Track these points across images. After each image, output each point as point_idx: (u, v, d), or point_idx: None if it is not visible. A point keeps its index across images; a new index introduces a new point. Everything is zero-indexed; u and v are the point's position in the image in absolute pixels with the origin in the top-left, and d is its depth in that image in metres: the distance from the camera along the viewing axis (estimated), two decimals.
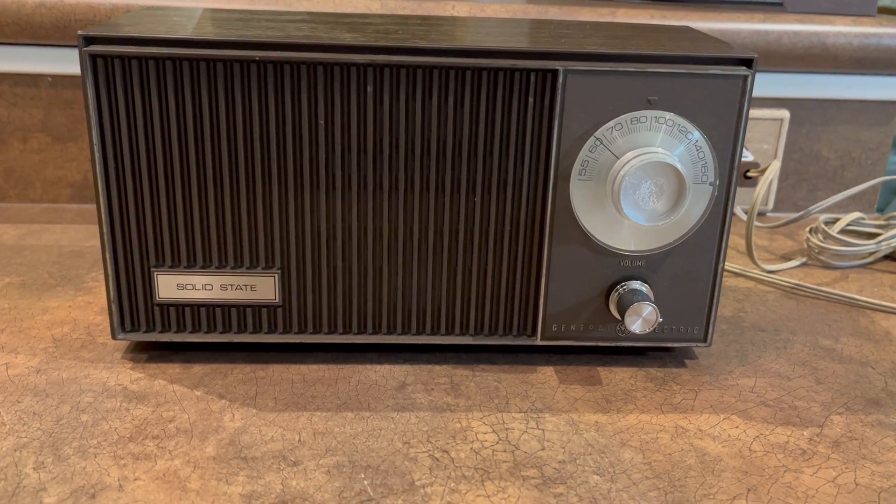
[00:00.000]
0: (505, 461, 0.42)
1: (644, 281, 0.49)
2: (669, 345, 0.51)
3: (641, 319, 0.47)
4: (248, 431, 0.43)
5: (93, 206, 0.77)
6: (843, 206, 0.81)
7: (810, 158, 0.81)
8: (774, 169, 0.65)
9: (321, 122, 0.45)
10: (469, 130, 0.46)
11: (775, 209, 0.82)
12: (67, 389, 0.46)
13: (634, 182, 0.45)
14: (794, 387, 0.50)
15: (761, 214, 0.81)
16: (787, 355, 0.54)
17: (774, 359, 0.53)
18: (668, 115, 0.46)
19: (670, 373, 0.51)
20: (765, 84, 0.77)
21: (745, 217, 0.72)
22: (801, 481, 0.41)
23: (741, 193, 0.76)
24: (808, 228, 0.70)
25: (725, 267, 0.67)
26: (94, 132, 0.45)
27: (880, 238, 0.68)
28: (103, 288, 0.60)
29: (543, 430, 0.44)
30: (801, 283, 0.64)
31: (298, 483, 0.39)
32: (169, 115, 0.45)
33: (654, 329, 0.49)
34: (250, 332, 0.50)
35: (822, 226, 0.69)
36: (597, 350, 0.53)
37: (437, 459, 0.41)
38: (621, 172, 0.45)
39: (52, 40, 0.71)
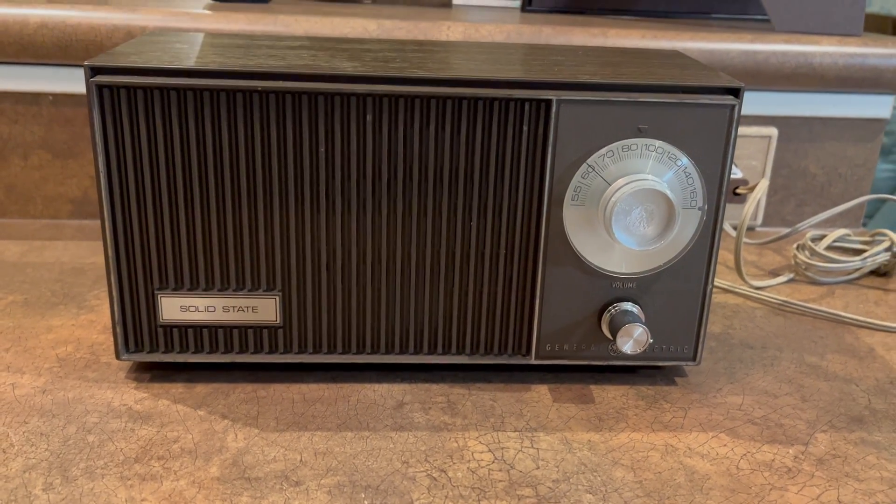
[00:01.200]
0: (501, 480, 0.43)
1: (635, 302, 0.51)
2: (660, 363, 0.52)
3: (632, 340, 0.49)
4: (251, 451, 0.44)
5: (93, 223, 0.78)
6: (831, 222, 0.82)
7: (798, 174, 0.82)
8: (763, 188, 0.66)
9: (322, 149, 0.47)
10: (465, 157, 0.47)
11: (764, 224, 0.84)
12: (73, 410, 0.48)
13: (626, 208, 0.47)
14: (781, 404, 0.51)
15: (750, 229, 0.83)
16: (774, 372, 0.55)
17: (762, 376, 0.55)
18: (658, 143, 0.47)
19: (661, 391, 0.52)
20: (753, 102, 0.78)
21: (734, 233, 0.74)
22: (786, 499, 0.42)
23: (730, 209, 0.78)
24: (795, 245, 0.72)
25: (715, 284, 0.69)
26: (101, 159, 0.46)
27: (865, 255, 0.70)
28: (106, 306, 0.61)
29: (538, 448, 0.46)
30: (788, 299, 0.65)
31: (300, 503, 0.40)
32: (173, 142, 0.46)
33: (645, 349, 0.51)
34: (252, 353, 0.51)
35: (809, 243, 0.70)
36: (589, 368, 0.54)
37: (435, 479, 0.43)
38: (613, 199, 0.47)
39: (54, 59, 0.72)
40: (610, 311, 0.50)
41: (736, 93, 0.48)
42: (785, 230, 0.72)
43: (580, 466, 0.44)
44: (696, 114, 0.47)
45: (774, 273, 0.72)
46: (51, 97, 0.74)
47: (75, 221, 0.78)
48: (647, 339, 0.49)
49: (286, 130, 0.46)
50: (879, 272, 0.72)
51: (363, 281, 0.50)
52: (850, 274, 0.71)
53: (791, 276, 0.71)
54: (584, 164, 0.48)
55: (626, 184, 0.47)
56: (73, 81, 0.73)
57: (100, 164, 0.46)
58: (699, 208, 0.49)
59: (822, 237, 0.72)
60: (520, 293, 0.50)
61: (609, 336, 0.50)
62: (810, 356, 0.58)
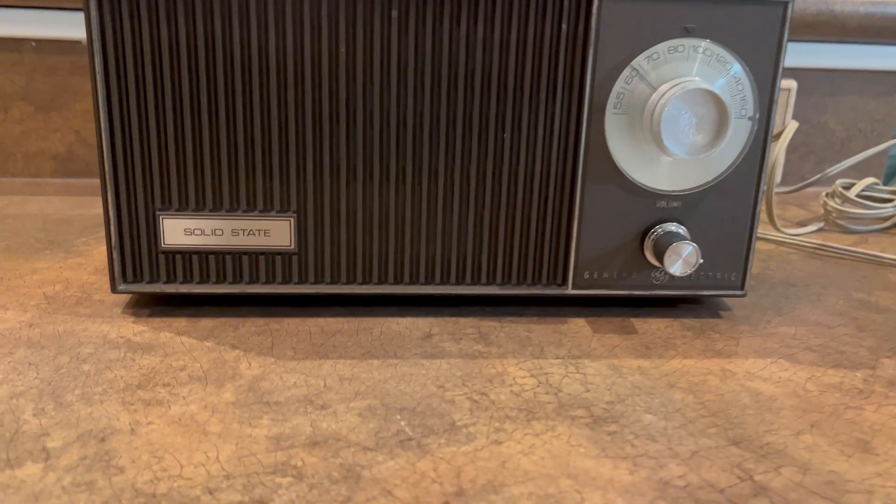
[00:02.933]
0: (549, 402, 0.39)
1: (680, 223, 0.47)
2: (705, 293, 0.48)
3: (682, 260, 0.45)
4: (268, 378, 0.40)
5: (79, 181, 0.73)
6: (850, 176, 0.79)
7: (817, 130, 0.80)
8: (793, 128, 0.63)
9: (342, 49, 0.43)
10: (499, 61, 0.43)
11: (783, 183, 0.81)
12: (65, 342, 0.43)
13: (674, 113, 0.43)
14: (837, 334, 0.48)
15: None
16: (823, 307, 0.51)
17: (810, 310, 0.51)
18: (706, 44, 0.44)
19: (707, 322, 0.48)
20: None
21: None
22: (864, 417, 0.38)
23: None
24: (824, 193, 0.69)
25: None
26: (98, 60, 0.41)
27: None
28: (95, 251, 0.56)
29: (585, 374, 0.42)
30: (824, 243, 0.62)
31: (329, 425, 0.36)
32: (178, 42, 0.42)
33: (693, 274, 0.47)
34: (263, 283, 0.46)
35: (840, 189, 0.67)
36: (627, 302, 0.50)
37: (476, 401, 0.38)
38: (661, 102, 0.43)
39: (38, 2, 0.67)
40: (653, 233, 0.46)
41: None
42: (812, 179, 0.68)
43: (633, 389, 0.40)
44: (747, 13, 0.44)
45: (802, 223, 0.69)
46: (33, 43, 0.69)
47: (59, 180, 0.73)
48: (698, 259, 0.45)
49: (303, 28, 0.42)
50: None
51: (386, 202, 0.45)
52: (882, 221, 0.68)
53: (821, 225, 0.68)
54: (628, 68, 0.44)
55: (675, 86, 0.43)
56: (58, 25, 0.69)
57: (96, 65, 0.42)
58: (749, 118, 0.45)
59: (851, 185, 0.69)
60: (556, 215, 0.46)
61: (652, 261, 0.46)
62: (857, 293, 0.54)
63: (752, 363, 0.43)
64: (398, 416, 0.37)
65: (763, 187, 0.47)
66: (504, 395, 0.39)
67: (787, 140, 0.63)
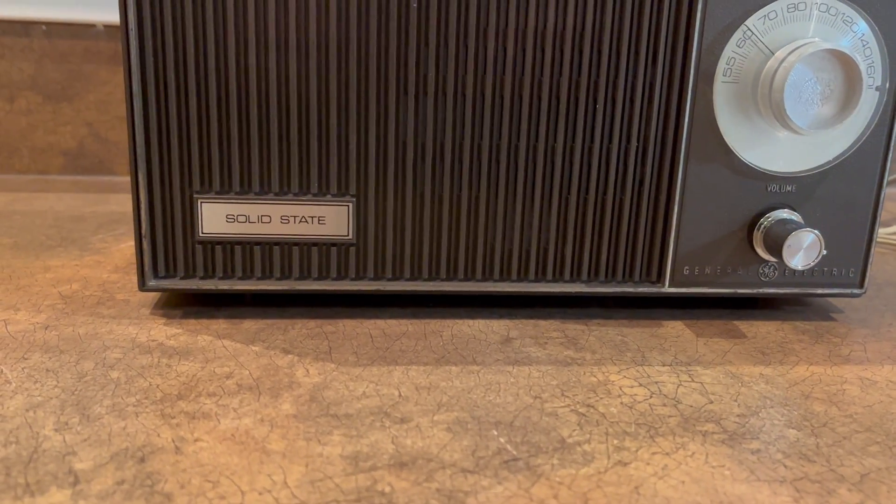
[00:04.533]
0: (670, 415, 0.32)
1: (793, 210, 0.41)
2: (821, 292, 0.42)
3: (803, 251, 0.39)
4: (332, 387, 0.33)
5: (90, 178, 0.67)
6: None
7: None
8: None
9: (414, 4, 0.37)
10: (592, 20, 0.38)
11: None
12: (87, 346, 0.36)
13: (798, 80, 0.37)
14: None
15: None
16: None
17: None
18: (831, 2, 0.38)
19: (821, 325, 0.42)
20: None
21: None
22: None
23: None
24: None
25: None
26: (132, 18, 0.35)
27: None
28: (114, 249, 0.50)
29: (701, 382, 0.35)
30: None
31: (414, 442, 0.29)
32: (225, 5, 0.36)
33: (812, 268, 0.41)
34: (315, 279, 0.40)
35: None
36: (725, 303, 0.44)
37: (584, 415, 0.32)
38: (782, 67, 0.37)
39: None
40: (764, 222, 0.40)
41: None
42: None
43: (764, 401, 0.34)
44: None
45: (885, 224, 0.63)
46: (44, 27, 0.63)
47: (68, 177, 0.67)
48: (821, 250, 0.39)
49: None
50: None
51: (458, 185, 0.39)
52: None
53: None
54: (740, 29, 0.38)
55: (795, 49, 0.37)
56: (71, 7, 0.63)
57: (130, 24, 0.36)
58: (877, 88, 0.39)
59: None
60: (653, 201, 0.40)
61: (762, 253, 0.40)
62: None
63: (889, 370, 0.37)
64: (495, 432, 0.30)
65: (888, 169, 0.41)
66: (614, 407, 0.33)
67: None
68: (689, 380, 0.36)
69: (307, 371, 0.35)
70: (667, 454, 0.29)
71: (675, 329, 0.41)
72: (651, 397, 0.34)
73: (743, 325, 0.42)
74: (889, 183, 0.63)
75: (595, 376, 0.35)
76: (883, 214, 0.65)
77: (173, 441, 0.29)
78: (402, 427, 0.31)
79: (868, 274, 0.42)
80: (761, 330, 0.41)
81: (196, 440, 0.29)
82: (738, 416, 0.33)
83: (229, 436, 0.29)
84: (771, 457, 0.30)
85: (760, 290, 0.42)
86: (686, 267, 0.41)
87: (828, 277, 0.42)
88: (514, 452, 0.29)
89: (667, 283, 0.41)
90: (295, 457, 0.28)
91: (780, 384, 0.35)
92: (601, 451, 0.29)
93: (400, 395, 0.33)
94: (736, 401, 0.34)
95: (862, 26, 0.38)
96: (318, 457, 0.28)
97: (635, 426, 0.31)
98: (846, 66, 0.37)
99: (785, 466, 0.29)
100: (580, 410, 0.32)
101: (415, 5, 0.37)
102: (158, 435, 0.29)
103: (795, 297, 0.45)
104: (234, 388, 0.33)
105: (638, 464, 0.29)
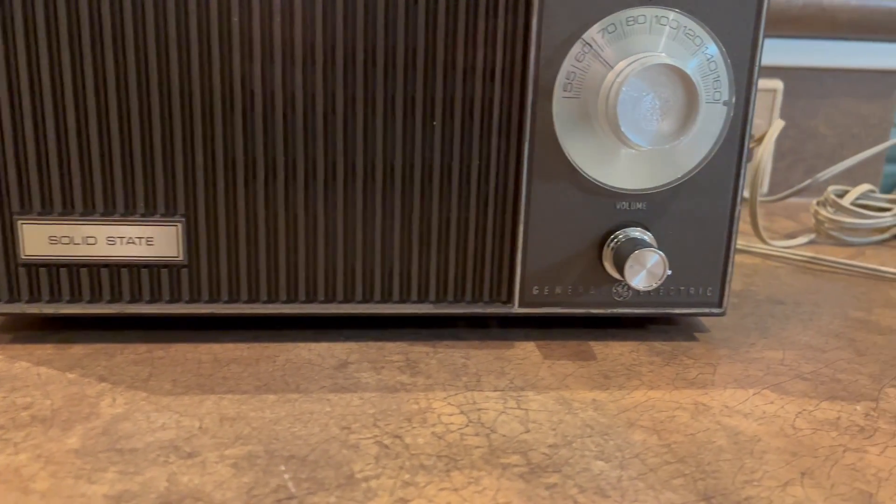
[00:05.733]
0: (478, 447, 0.31)
1: (645, 229, 0.40)
2: (677, 311, 0.41)
3: (646, 272, 0.38)
4: (132, 418, 0.32)
5: None
6: (844, 184, 0.73)
7: (807, 136, 0.73)
8: (778, 128, 0.56)
9: (235, 19, 0.35)
10: (426, 34, 0.36)
11: (770, 192, 0.74)
12: None
13: (634, 94, 0.36)
14: (833, 359, 0.40)
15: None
16: (816, 327, 0.44)
17: (801, 330, 0.44)
18: (673, 15, 0.37)
19: (679, 346, 0.41)
20: None
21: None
22: (867, 462, 0.31)
23: None
24: (815, 201, 0.62)
25: None
26: None
27: None
28: None
29: (526, 409, 0.34)
30: (817, 255, 0.55)
31: (192, 479, 0.28)
32: (35, 10, 0.35)
33: (660, 288, 0.39)
34: (147, 302, 0.39)
35: (833, 197, 0.60)
36: (586, 323, 0.43)
37: (387, 446, 0.31)
38: (617, 81, 0.36)
39: None
40: (613, 240, 0.39)
41: None
42: (800, 185, 0.61)
43: (585, 429, 0.33)
44: None
45: (791, 235, 0.62)
46: None
47: None
48: (665, 270, 0.38)
49: None
50: None
51: (294, 204, 0.38)
52: (880, 233, 0.61)
53: (812, 236, 0.60)
54: (579, 42, 0.37)
55: (633, 62, 0.36)
56: None
57: None
58: (724, 102, 0.38)
59: (845, 193, 0.62)
60: (499, 219, 0.39)
61: (613, 273, 0.39)
62: (855, 311, 0.47)
63: (730, 395, 0.36)
64: (283, 467, 0.29)
65: (743, 185, 0.40)
66: (423, 437, 0.32)
67: (773, 140, 0.56)
68: (516, 406, 0.34)
69: (114, 401, 0.33)
70: (455, 490, 0.28)
71: (525, 351, 0.40)
72: (467, 426, 0.33)
73: (598, 346, 0.41)
74: (798, 191, 0.62)
75: (418, 403, 0.34)
76: (782, 229, 0.64)
77: None
78: (185, 463, 0.29)
79: (727, 293, 0.41)
80: (615, 351, 0.40)
81: None
82: (549, 446, 0.31)
83: None
84: (565, 492, 0.28)
85: (615, 310, 0.41)
86: (535, 287, 0.40)
87: (685, 297, 0.41)
88: (293, 490, 0.28)
89: (516, 304, 0.40)
90: (55, 497, 0.27)
91: (608, 411, 0.34)
92: (386, 488, 0.28)
93: (200, 428, 0.32)
94: (554, 430, 0.32)
95: (704, 40, 0.37)
96: (79, 497, 0.27)
97: (436, 458, 0.30)
98: (683, 80, 0.36)
99: (576, 502, 0.28)
100: (385, 442, 0.31)
101: (235, 19, 0.35)
102: None
103: (651, 317, 0.44)
104: (26, 420, 0.32)
105: (420, 501, 0.27)
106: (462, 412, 0.34)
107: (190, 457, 0.30)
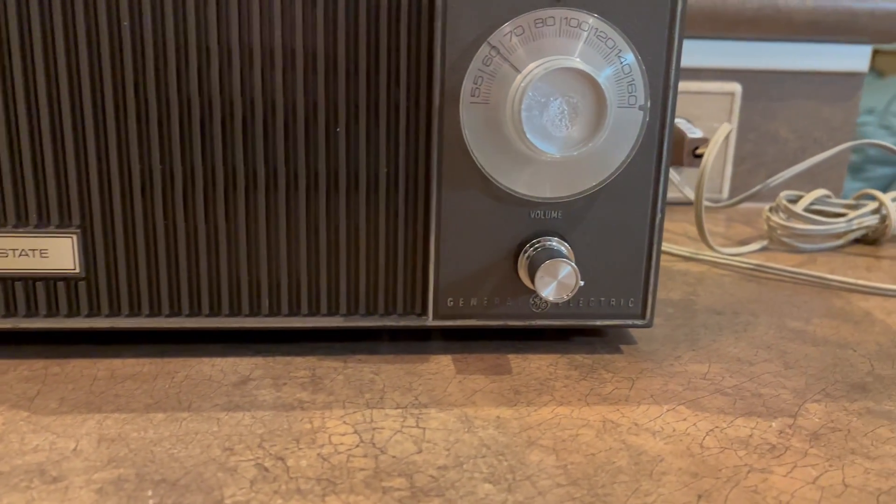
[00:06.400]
0: (362, 469, 0.30)
1: (562, 238, 0.38)
2: (598, 324, 0.40)
3: (557, 283, 0.36)
4: (6, 440, 0.31)
5: None
6: (806, 189, 0.71)
7: (767, 139, 0.71)
8: (725, 132, 0.55)
9: (125, 23, 0.34)
10: (325, 38, 0.35)
11: (731, 196, 0.72)
12: None
13: (540, 99, 0.35)
14: (758, 372, 0.39)
15: (716, 202, 0.71)
16: (749, 338, 0.43)
17: (733, 343, 0.42)
18: (582, 16, 0.35)
19: (601, 359, 0.39)
20: (712, 52, 0.68)
21: (692, 196, 0.62)
22: (770, 484, 0.29)
23: (690, 176, 0.66)
24: (767, 207, 0.60)
25: (673, 250, 0.57)
26: None
27: (851, 216, 0.58)
28: None
29: (424, 428, 0.33)
30: (764, 263, 0.53)
31: None
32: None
33: (577, 300, 0.38)
34: (43, 316, 0.37)
35: (785, 203, 0.59)
36: (508, 335, 0.42)
37: (266, 469, 0.29)
38: (522, 85, 0.34)
39: None
40: (528, 250, 0.38)
41: None
42: (753, 190, 0.60)
43: (480, 449, 0.31)
44: None
45: (744, 242, 0.60)
46: None
47: None
48: (577, 282, 0.36)
49: None
50: (866, 240, 0.61)
51: (194, 214, 0.37)
52: (835, 240, 0.59)
53: (763, 243, 0.59)
54: (485, 45, 0.35)
55: (539, 66, 0.34)
56: None
57: None
58: (640, 107, 0.37)
59: (799, 198, 0.61)
60: (410, 229, 0.38)
61: (529, 284, 0.38)
62: (793, 321, 0.45)
63: (643, 411, 0.35)
64: (149, 493, 0.28)
65: (664, 191, 0.38)
66: (307, 459, 0.30)
67: (719, 143, 0.54)
68: (414, 425, 0.33)
69: None
70: None
71: (439, 365, 0.38)
72: (357, 446, 0.31)
73: (517, 360, 0.39)
74: (749, 196, 0.61)
75: (312, 423, 0.33)
76: (737, 235, 0.62)
77: None
78: (49, 488, 0.28)
79: (651, 303, 0.40)
80: (533, 364, 0.39)
81: None
82: (438, 468, 0.30)
83: None
84: None
85: (533, 322, 0.39)
86: (450, 298, 0.39)
87: (606, 308, 0.39)
88: None
89: (431, 316, 0.39)
90: None
91: (510, 430, 0.33)
92: None
93: (74, 450, 0.30)
94: (448, 450, 0.31)
95: (616, 41, 0.36)
96: None
97: (315, 482, 0.29)
98: (592, 84, 0.34)
99: None
100: (266, 464, 0.30)
101: (126, 24, 0.34)
102: None
103: (576, 329, 0.42)
104: None
105: None
106: (356, 431, 0.32)
107: (54, 482, 0.28)
